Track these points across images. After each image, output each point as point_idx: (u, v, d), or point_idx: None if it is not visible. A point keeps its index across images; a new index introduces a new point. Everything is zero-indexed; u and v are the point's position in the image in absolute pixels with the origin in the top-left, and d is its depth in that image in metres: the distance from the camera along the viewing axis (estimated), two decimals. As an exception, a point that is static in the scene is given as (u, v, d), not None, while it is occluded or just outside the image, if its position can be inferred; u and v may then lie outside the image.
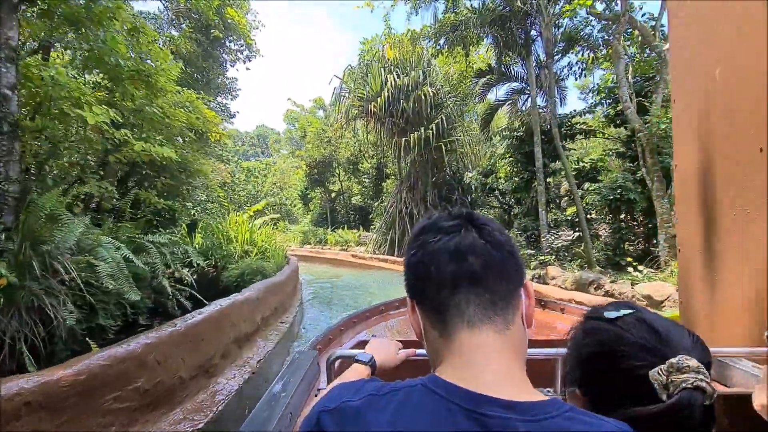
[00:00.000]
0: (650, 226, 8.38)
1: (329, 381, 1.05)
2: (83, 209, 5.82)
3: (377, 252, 17.64)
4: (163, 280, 4.38)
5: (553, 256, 8.09)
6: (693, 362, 0.53)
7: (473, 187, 16.79)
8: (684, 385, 0.52)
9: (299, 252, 20.14)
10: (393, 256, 16.63)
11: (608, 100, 9.93)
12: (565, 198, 13.10)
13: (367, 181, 23.88)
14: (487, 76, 13.01)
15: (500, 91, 13.68)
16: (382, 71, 16.10)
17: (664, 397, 0.53)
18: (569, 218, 10.10)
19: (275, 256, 8.12)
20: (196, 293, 5.01)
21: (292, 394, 1.10)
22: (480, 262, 0.50)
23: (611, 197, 8.12)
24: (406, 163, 17.60)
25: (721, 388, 1.31)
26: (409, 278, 0.56)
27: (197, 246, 7.90)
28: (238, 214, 8.31)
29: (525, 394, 0.45)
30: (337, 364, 1.08)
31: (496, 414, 0.41)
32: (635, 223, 8.61)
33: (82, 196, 5.57)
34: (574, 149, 11.49)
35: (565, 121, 10.99)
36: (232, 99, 14.43)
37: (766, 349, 1.15)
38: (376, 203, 21.63)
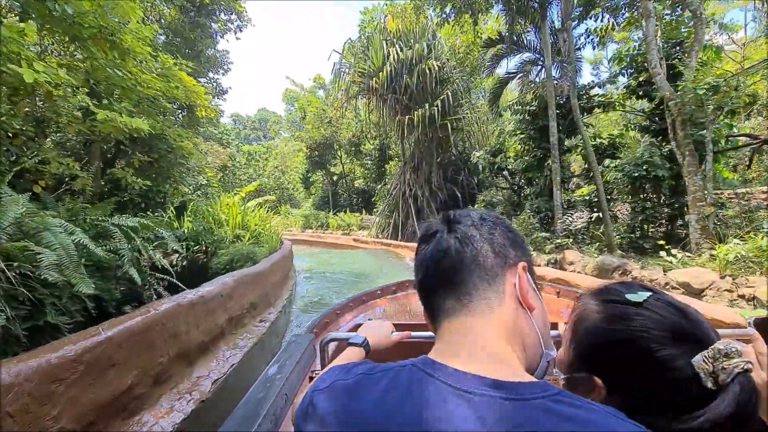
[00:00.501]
0: (676, 205, 7.68)
1: (323, 363, 1.11)
2: (53, 191, 5.25)
3: (380, 236, 17.07)
4: (130, 269, 3.79)
5: (570, 239, 7.45)
6: (739, 345, 0.53)
7: (480, 167, 16.05)
8: (737, 370, 0.51)
9: (300, 236, 19.62)
10: (396, 239, 16.07)
11: (629, 70, 9.07)
12: (574, 179, 12.32)
13: (369, 163, 23.12)
14: (497, 47, 12.08)
15: (511, 63, 12.77)
16: (384, 44, 15.15)
17: (710, 384, 0.51)
18: (586, 198, 9.39)
19: (269, 241, 7.54)
20: (177, 282, 4.46)
21: (287, 376, 1.10)
22: (450, 261, 0.55)
23: (635, 174, 7.40)
24: (410, 143, 16.81)
25: None
26: (416, 279, 0.62)
27: (186, 230, 7.34)
28: (229, 195, 7.69)
29: (514, 374, 0.46)
30: (331, 347, 1.16)
31: (483, 392, 0.43)
32: (660, 202, 7.91)
33: (50, 176, 4.99)
34: (591, 125, 10.68)
35: (582, 94, 10.14)
36: (223, 73, 13.62)
37: (748, 330, 1.14)
38: (379, 186, 20.94)
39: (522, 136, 11.26)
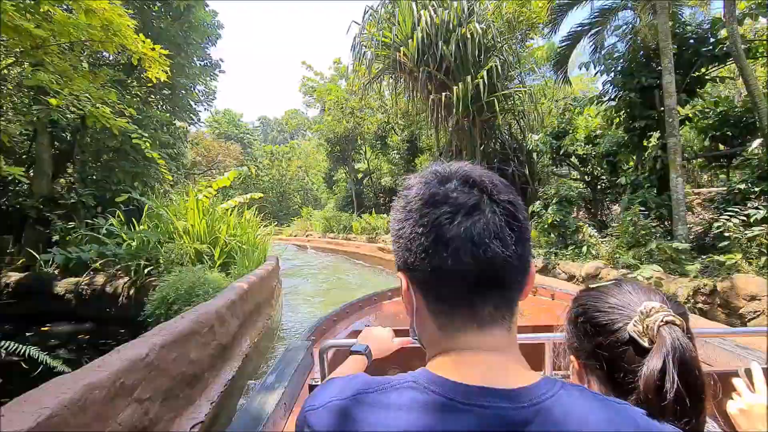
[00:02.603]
0: None
1: (322, 372, 1.03)
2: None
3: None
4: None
5: (740, 254, 4.44)
6: (656, 304, 0.60)
7: (536, 155, 12.93)
8: (657, 324, 0.58)
9: (318, 242, 17.19)
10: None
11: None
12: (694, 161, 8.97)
13: (397, 157, 20.38)
14: (565, -10, 9.04)
15: (580, 15, 9.68)
16: (414, 6, 12.36)
17: (646, 343, 0.58)
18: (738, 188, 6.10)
19: (248, 259, 4.97)
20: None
21: (286, 385, 1.09)
22: (503, 252, 0.43)
23: None
24: (447, 128, 13.92)
25: (704, 368, 1.03)
26: (405, 255, 0.47)
27: (132, 244, 4.96)
28: (191, 191, 5.20)
29: (519, 378, 0.43)
30: (330, 354, 1.09)
31: (493, 404, 0.40)
32: None
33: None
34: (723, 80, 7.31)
35: (705, 36, 6.93)
36: (214, 76, 11.12)
37: (745, 329, 1.52)
38: (409, 182, 18.10)
39: (608, 105, 8.13)
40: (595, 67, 8.11)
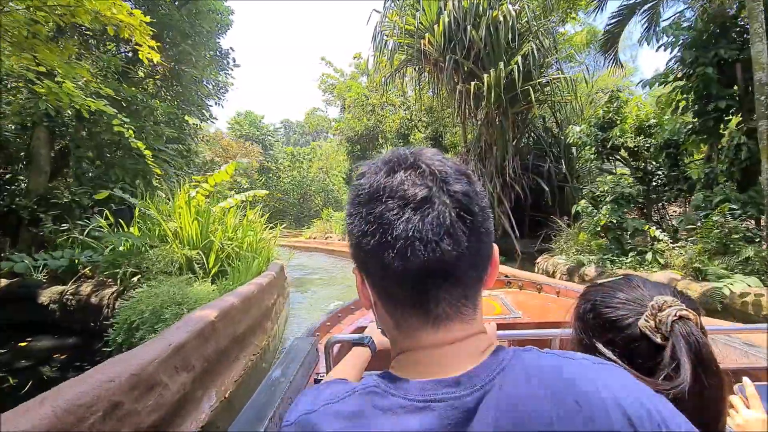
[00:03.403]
0: None
1: (328, 366, 1.07)
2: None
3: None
4: None
5: None
6: (668, 298, 0.58)
7: (575, 149, 11.71)
8: (671, 319, 0.55)
9: (336, 245, 16.44)
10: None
11: None
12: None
13: (420, 155, 19.40)
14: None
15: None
16: (440, -12, 11.42)
17: (659, 339, 0.56)
18: None
19: (245, 267, 4.15)
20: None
21: (291, 379, 1.09)
22: (455, 248, 0.40)
23: None
24: (475, 122, 12.86)
25: None
26: (356, 252, 0.45)
27: (118, 249, 4.23)
28: (183, 188, 4.43)
29: (472, 360, 0.42)
30: (335, 349, 1.17)
31: (447, 395, 0.39)
32: None
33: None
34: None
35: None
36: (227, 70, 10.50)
37: (749, 326, 1.37)
38: (433, 181, 17.08)
39: (675, 85, 6.90)
40: (657, 41, 6.91)
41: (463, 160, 13.22)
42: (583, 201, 8.84)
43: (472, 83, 10.53)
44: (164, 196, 4.84)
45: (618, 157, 9.51)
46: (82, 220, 5.59)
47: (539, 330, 1.14)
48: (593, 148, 9.47)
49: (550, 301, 2.64)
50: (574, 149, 11.98)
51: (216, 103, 10.34)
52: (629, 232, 6.61)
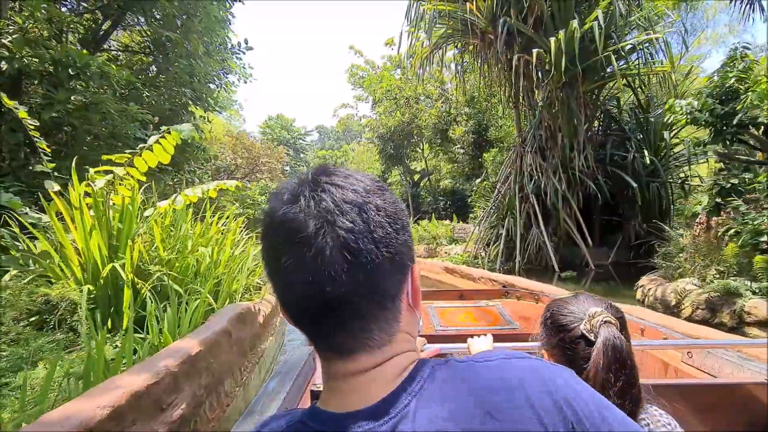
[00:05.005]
0: None
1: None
2: None
3: (485, 256, 10.94)
4: None
5: None
6: (599, 309, 0.83)
7: (667, 135, 9.13)
8: (599, 323, 0.80)
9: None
10: (511, 262, 9.88)
11: None
12: None
13: (461, 153, 17.17)
14: None
15: None
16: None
17: (592, 337, 0.79)
18: None
19: (199, 309, 2.19)
20: None
21: (287, 390, 1.09)
22: (339, 287, 0.38)
23: None
24: (534, 104, 10.54)
25: (708, 379, 1.43)
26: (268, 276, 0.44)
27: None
28: (95, 172, 2.65)
29: (385, 388, 0.40)
30: None
31: (361, 428, 0.38)
32: None
33: None
34: None
35: None
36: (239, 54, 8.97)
37: (746, 340, 1.66)
38: (478, 180, 14.82)
39: None
40: None
41: (517, 154, 10.90)
42: (705, 197, 6.36)
43: (534, 51, 8.25)
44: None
45: (748, 136, 6.89)
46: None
47: (530, 343, 1.10)
48: (710, 128, 6.94)
49: (530, 308, 2.73)
50: (666, 133, 9.34)
51: (219, 86, 8.84)
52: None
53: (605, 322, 0.78)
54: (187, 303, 2.27)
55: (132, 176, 2.64)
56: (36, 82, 4.74)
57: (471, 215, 15.37)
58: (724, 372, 1.40)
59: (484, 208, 12.28)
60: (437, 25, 10.42)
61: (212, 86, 8.56)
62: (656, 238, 9.21)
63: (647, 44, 8.40)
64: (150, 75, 7.02)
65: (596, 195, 9.49)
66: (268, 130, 34.53)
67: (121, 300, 2.29)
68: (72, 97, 4.53)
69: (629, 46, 8.81)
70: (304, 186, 0.41)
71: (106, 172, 2.56)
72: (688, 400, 1.03)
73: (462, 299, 3.06)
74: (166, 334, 2.04)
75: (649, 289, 5.57)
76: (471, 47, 11.08)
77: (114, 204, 2.64)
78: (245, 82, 10.32)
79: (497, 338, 1.17)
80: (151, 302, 2.17)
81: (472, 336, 1.08)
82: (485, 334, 1.12)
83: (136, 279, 2.28)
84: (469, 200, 16.74)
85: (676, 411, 0.81)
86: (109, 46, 7.49)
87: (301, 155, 36.49)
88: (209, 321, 2.14)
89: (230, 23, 9.06)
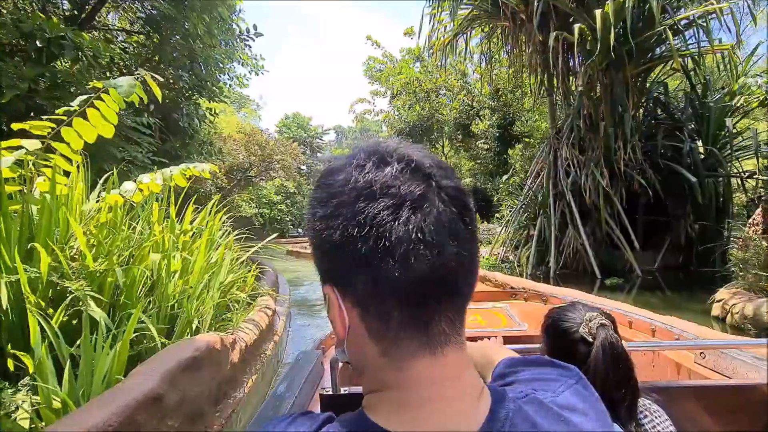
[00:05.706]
0: None
1: (333, 382, 1.07)
2: None
3: (513, 260, 9.90)
4: None
5: None
6: (595, 314, 0.91)
7: (730, 124, 7.96)
8: (596, 325, 0.88)
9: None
10: (544, 265, 8.85)
11: None
12: None
13: (485, 148, 16.12)
14: None
15: None
16: None
17: (590, 339, 0.87)
18: None
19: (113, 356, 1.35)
20: None
21: (296, 394, 1.09)
22: (460, 251, 0.35)
23: None
24: (570, 91, 9.47)
25: (722, 380, 1.38)
26: (333, 265, 0.37)
27: None
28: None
29: (473, 405, 0.35)
30: (341, 364, 1.08)
31: None
32: None
33: None
34: None
35: None
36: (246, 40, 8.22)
37: (748, 340, 1.54)
38: (504, 177, 13.78)
39: None
40: None
41: (551, 147, 9.85)
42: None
43: (576, 26, 7.23)
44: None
45: None
46: None
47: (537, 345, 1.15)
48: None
49: (539, 309, 2.68)
50: (728, 121, 8.12)
51: (230, 78, 8.17)
52: None
53: (601, 324, 0.89)
54: (114, 337, 1.51)
55: (63, 154, 1.90)
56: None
57: (497, 215, 14.34)
58: (739, 373, 1.37)
59: (512, 207, 11.25)
60: (464, 4, 9.48)
61: (218, 75, 7.88)
62: (711, 240, 8.06)
63: (710, 16, 7.24)
64: (145, 57, 6.41)
65: (640, 192, 8.38)
66: (285, 129, 34.17)
67: (28, 333, 1.53)
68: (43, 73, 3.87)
69: (685, 21, 7.68)
70: (386, 153, 0.36)
71: (20, 148, 1.83)
72: (703, 402, 1.04)
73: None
74: (64, 397, 1.27)
75: (734, 305, 4.51)
76: (499, 30, 10.10)
77: (42, 193, 1.89)
78: (257, 74, 9.64)
79: (506, 340, 1.17)
80: (56, 339, 1.40)
81: (481, 338, 1.02)
82: (495, 336, 1.12)
83: (41, 302, 1.52)
84: (493, 199, 15.69)
85: (691, 412, 0.89)
86: (105, 26, 6.91)
87: (318, 155, 36.02)
88: (131, 376, 1.35)
89: (239, 11, 8.41)
